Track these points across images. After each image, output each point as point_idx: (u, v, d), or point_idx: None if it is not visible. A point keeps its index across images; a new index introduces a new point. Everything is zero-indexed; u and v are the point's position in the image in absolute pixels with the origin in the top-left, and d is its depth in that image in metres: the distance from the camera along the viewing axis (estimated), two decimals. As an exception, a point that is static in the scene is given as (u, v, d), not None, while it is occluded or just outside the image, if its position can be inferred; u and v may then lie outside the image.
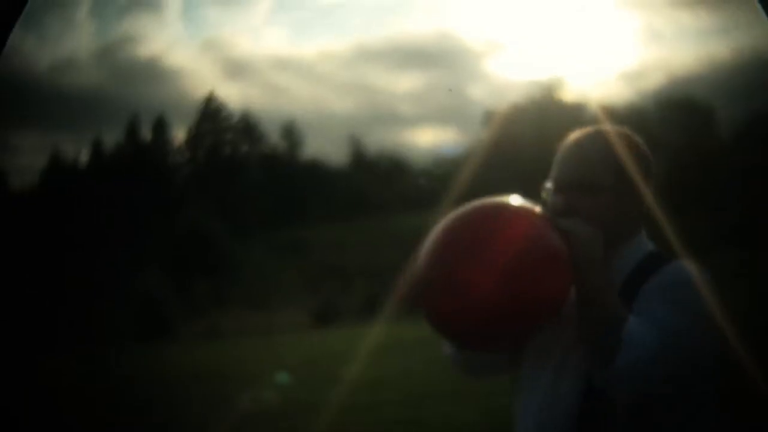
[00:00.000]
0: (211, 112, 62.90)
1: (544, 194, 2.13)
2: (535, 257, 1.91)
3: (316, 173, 60.18)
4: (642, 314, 1.96)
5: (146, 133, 60.13)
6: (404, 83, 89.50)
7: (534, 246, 1.92)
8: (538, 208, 2.01)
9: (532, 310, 1.92)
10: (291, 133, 64.16)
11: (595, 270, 1.96)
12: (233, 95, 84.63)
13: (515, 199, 2.02)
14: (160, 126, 60.60)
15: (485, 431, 8.90)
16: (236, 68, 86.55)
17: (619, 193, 2.12)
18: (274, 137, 64.14)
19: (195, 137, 61.93)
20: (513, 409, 2.27)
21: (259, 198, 57.03)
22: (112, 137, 67.35)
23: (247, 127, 63.60)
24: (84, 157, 59.07)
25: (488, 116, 51.26)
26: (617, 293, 1.99)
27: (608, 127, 2.22)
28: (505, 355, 2.22)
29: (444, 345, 2.24)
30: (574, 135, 2.21)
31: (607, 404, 2.00)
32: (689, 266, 2.08)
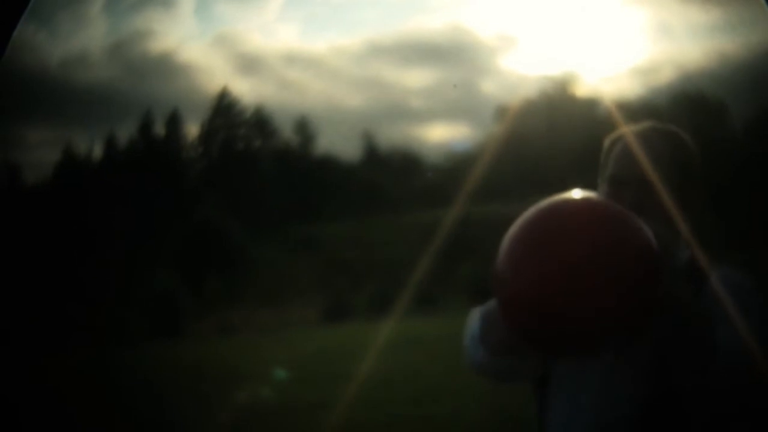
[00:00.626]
0: (223, 107, 62.92)
1: (601, 189, 2.11)
2: (648, 258, 1.84)
3: (329, 169, 60.12)
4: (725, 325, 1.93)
5: (159, 129, 60.19)
6: (416, 78, 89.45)
7: (649, 245, 1.84)
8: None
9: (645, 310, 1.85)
10: (303, 128, 64.14)
11: (673, 270, 1.92)
12: (246, 90, 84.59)
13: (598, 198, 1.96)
14: (173, 121, 60.66)
15: (494, 428, 8.88)
16: (248, 63, 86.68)
17: (683, 192, 2.10)
18: (286, 132, 64.14)
19: (208, 132, 61.96)
20: (540, 409, 2.21)
21: (272, 193, 57.02)
22: (124, 132, 67.42)
23: (260, 122, 63.61)
24: (96, 152, 59.18)
25: (500, 111, 51.15)
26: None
27: (661, 123, 2.22)
28: (536, 359, 2.18)
29: (476, 353, 2.19)
30: (632, 130, 2.20)
31: (675, 408, 1.97)
32: (745, 276, 2.07)
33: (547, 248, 1.81)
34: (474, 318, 2.21)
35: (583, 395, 2.08)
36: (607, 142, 2.18)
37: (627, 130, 2.17)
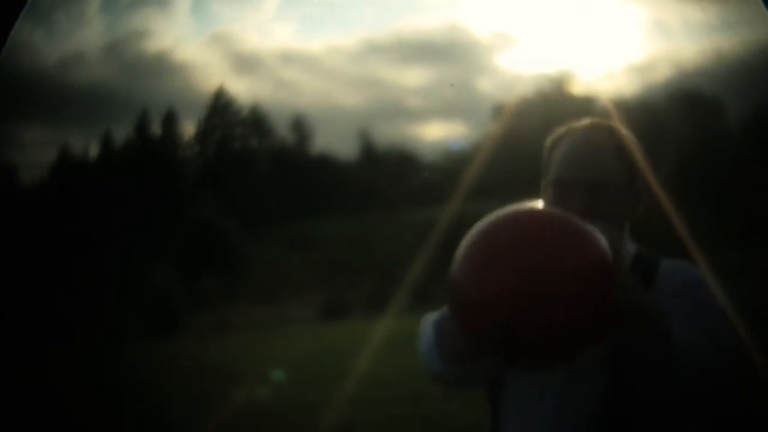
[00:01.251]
0: (220, 106, 62.84)
1: (545, 193, 2.08)
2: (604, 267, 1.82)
3: (325, 167, 60.10)
4: (675, 319, 1.91)
5: (156, 128, 60.13)
6: (413, 77, 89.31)
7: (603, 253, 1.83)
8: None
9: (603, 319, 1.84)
10: (300, 127, 64.06)
11: (626, 273, 1.91)
12: (242, 89, 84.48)
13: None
14: (170, 120, 60.58)
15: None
16: (245, 63, 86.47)
17: (630, 192, 2.08)
18: (283, 131, 64.10)
19: (204, 132, 61.90)
20: (494, 418, 2.18)
21: (268, 192, 56.99)
22: (121, 132, 67.28)
23: (257, 121, 63.55)
24: (93, 151, 59.13)
25: (497, 110, 51.14)
26: None
27: (602, 120, 2.18)
28: (493, 366, 2.15)
29: (433, 362, 2.17)
30: (576, 130, 2.16)
31: (634, 407, 1.96)
32: (694, 266, 2.06)
33: (505, 257, 1.80)
34: (427, 325, 2.18)
35: (540, 402, 2.06)
36: (548, 142, 2.15)
37: (568, 129, 2.14)
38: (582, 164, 2.06)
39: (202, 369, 16.72)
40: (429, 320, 2.20)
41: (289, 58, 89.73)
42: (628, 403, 1.95)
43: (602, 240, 1.80)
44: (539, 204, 1.92)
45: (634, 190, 2.09)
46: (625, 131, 2.15)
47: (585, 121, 2.17)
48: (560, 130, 2.19)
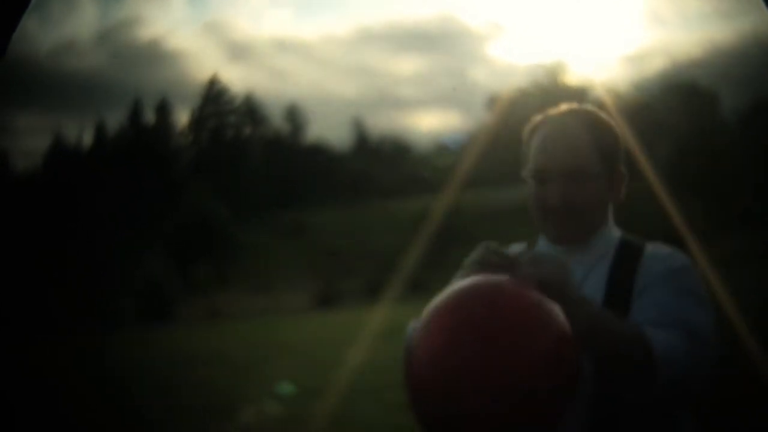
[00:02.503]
0: (213, 94, 62.91)
1: (528, 184, 2.06)
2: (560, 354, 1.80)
3: (319, 156, 60.22)
4: (654, 306, 1.91)
5: (149, 116, 60.15)
6: (406, 66, 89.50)
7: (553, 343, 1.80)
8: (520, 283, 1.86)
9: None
10: (294, 116, 64.24)
11: (584, 306, 1.88)
12: (236, 78, 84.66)
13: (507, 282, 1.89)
14: (163, 109, 60.64)
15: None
16: (238, 51, 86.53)
17: (607, 178, 2.07)
18: (276, 120, 64.22)
19: (198, 120, 61.97)
20: None
21: (262, 181, 57.07)
22: (114, 119, 67.47)
23: (250, 110, 63.67)
24: (86, 139, 59.15)
25: (492, 100, 51.18)
26: (609, 297, 1.95)
27: (578, 106, 2.16)
28: None
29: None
30: (551, 116, 2.14)
31: (619, 408, 1.96)
32: (677, 252, 2.05)
33: (460, 353, 1.76)
34: (410, 331, 2.16)
35: None
36: (526, 131, 2.13)
37: (544, 117, 2.12)
38: (558, 154, 2.02)
39: (195, 356, 16.74)
40: (412, 326, 2.17)
41: (282, 46, 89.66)
42: (614, 405, 1.95)
43: (558, 314, 1.78)
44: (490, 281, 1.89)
45: (613, 174, 2.08)
46: (603, 116, 2.13)
47: (561, 108, 2.15)
48: (536, 118, 2.17)
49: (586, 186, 1.98)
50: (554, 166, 2.02)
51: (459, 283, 1.82)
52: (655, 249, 2.05)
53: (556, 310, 1.75)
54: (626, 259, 2.01)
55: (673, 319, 1.88)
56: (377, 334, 13.57)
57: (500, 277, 1.81)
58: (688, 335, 1.86)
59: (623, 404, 1.92)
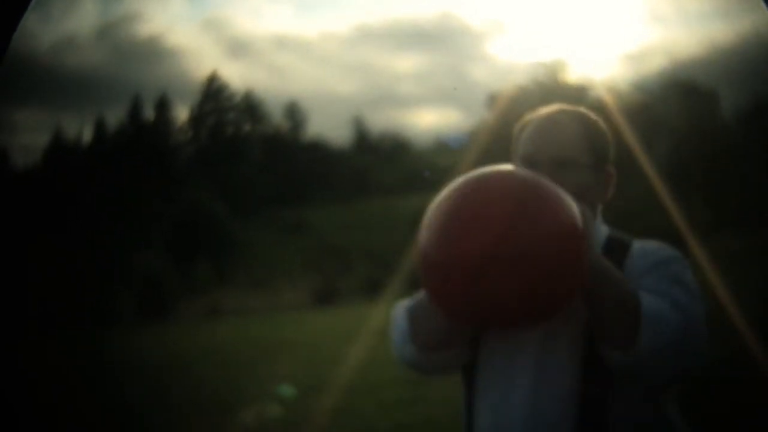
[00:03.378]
0: (213, 91, 62.88)
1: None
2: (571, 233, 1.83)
3: (319, 153, 60.19)
4: (643, 291, 1.92)
5: (148, 113, 60.13)
6: (406, 64, 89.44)
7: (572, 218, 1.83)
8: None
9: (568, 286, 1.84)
10: (293, 113, 64.21)
11: (593, 248, 1.92)
12: (235, 75, 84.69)
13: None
14: (162, 105, 60.60)
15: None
16: (238, 47, 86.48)
17: (596, 172, 2.10)
18: (276, 117, 64.21)
19: (197, 117, 61.94)
20: (471, 399, 2.17)
21: (261, 178, 57.04)
22: (114, 116, 67.38)
23: (250, 107, 63.63)
24: (86, 135, 59.11)
25: (492, 98, 51.17)
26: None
27: (569, 106, 2.19)
28: (465, 350, 2.14)
29: (405, 349, 2.16)
30: (543, 112, 2.17)
31: (607, 389, 1.97)
32: (665, 246, 2.07)
33: (472, 217, 1.78)
34: (399, 312, 2.17)
35: (513, 387, 2.04)
36: (516, 127, 2.16)
37: (536, 114, 2.15)
38: (547, 142, 2.05)
39: (193, 353, 16.75)
40: (400, 308, 2.19)
41: (282, 43, 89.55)
42: (602, 386, 1.96)
43: (572, 202, 1.80)
44: (510, 167, 1.91)
45: (602, 172, 2.10)
46: (593, 116, 2.16)
47: (553, 107, 2.18)
48: (528, 115, 2.20)
49: (575, 176, 2.00)
50: (543, 154, 2.06)
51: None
52: (643, 244, 2.08)
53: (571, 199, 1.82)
54: (613, 254, 2.03)
55: (663, 299, 1.90)
56: (377, 331, 13.58)
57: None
58: (677, 308, 1.88)
59: (610, 383, 1.94)
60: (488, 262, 1.76)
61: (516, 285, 1.77)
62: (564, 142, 2.07)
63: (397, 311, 2.22)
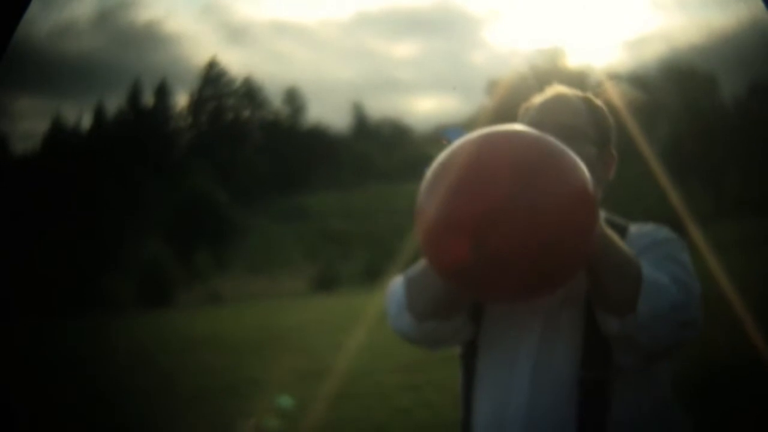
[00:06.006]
0: (212, 77, 62.80)
1: None
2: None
3: (318, 139, 60.16)
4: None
5: (148, 99, 60.05)
6: (406, 50, 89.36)
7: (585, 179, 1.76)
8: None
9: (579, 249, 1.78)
10: (293, 99, 64.12)
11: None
12: (234, 61, 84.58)
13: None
14: (162, 91, 60.52)
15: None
16: (237, 33, 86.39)
17: (599, 149, 2.10)
18: (275, 103, 64.12)
19: (197, 103, 61.87)
20: (470, 383, 2.17)
21: (261, 164, 57.02)
22: (113, 102, 67.28)
23: (249, 92, 63.54)
24: (85, 122, 59.04)
25: (492, 85, 51.09)
26: None
27: (571, 90, 2.21)
28: (464, 323, 2.13)
29: (402, 319, 2.15)
30: (550, 91, 2.18)
31: (608, 372, 1.98)
32: (662, 227, 2.08)
33: (475, 177, 1.69)
34: (397, 285, 2.17)
35: (513, 371, 2.04)
36: (522, 108, 2.16)
37: (541, 95, 2.16)
38: (554, 111, 2.06)
39: (194, 340, 16.75)
40: (398, 278, 2.19)
41: (281, 29, 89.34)
42: (603, 368, 1.96)
43: (583, 165, 1.75)
44: (518, 126, 1.87)
45: (604, 149, 2.10)
46: (597, 101, 2.17)
47: (558, 87, 2.19)
48: (534, 98, 2.21)
49: (580, 147, 1.98)
50: (550, 121, 2.06)
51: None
52: (639, 227, 2.09)
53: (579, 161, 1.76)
54: None
55: (662, 273, 1.90)
56: (376, 318, 13.59)
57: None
58: (675, 281, 1.89)
59: (611, 364, 1.95)
60: (490, 225, 1.68)
61: (519, 248, 1.68)
62: (570, 113, 2.09)
63: (394, 282, 2.22)
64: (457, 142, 1.79)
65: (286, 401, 9.92)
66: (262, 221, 48.52)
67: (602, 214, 2.06)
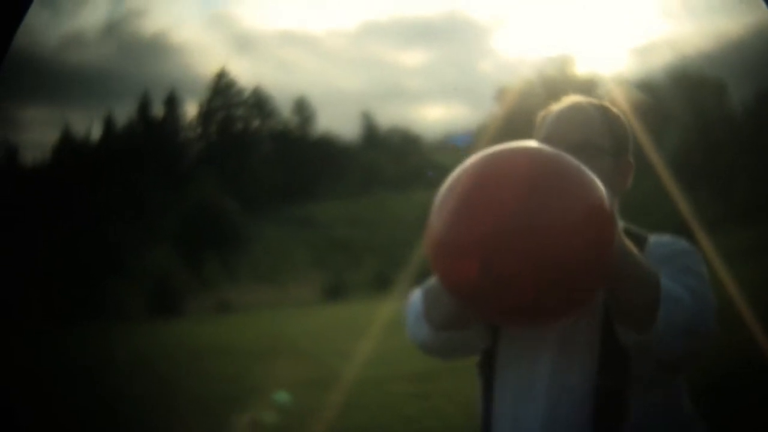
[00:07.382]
0: (221, 87, 62.91)
1: None
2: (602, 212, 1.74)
3: (327, 149, 60.22)
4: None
5: (157, 109, 60.19)
6: (414, 59, 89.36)
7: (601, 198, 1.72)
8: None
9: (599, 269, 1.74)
10: (302, 108, 64.18)
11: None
12: (243, 70, 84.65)
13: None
14: (171, 101, 60.65)
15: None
16: (245, 43, 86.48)
17: (616, 160, 2.10)
18: (285, 113, 64.21)
19: (206, 113, 61.99)
20: (489, 393, 2.16)
21: (270, 173, 57.10)
22: (122, 112, 67.52)
23: (258, 102, 63.63)
24: (95, 132, 59.22)
25: (500, 93, 51.10)
26: None
27: (589, 98, 2.20)
28: (482, 333, 2.13)
29: (420, 329, 2.16)
30: (566, 101, 2.18)
31: (624, 383, 1.98)
32: (681, 239, 2.07)
33: (486, 195, 1.67)
34: (416, 297, 2.18)
35: (532, 381, 2.04)
36: (540, 116, 2.16)
37: (560, 102, 2.15)
38: (569, 124, 2.06)
39: (203, 349, 16.78)
40: (417, 291, 2.20)
41: (289, 39, 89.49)
42: (620, 378, 1.96)
43: (598, 182, 1.72)
44: (529, 142, 1.85)
45: (620, 159, 2.10)
46: (615, 109, 2.17)
47: (575, 96, 2.18)
48: (551, 105, 2.20)
49: (595, 161, 1.96)
50: (565, 136, 2.05)
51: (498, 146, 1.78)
52: (658, 238, 2.08)
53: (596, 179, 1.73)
54: None
55: (680, 285, 1.90)
56: (385, 326, 13.59)
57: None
58: (691, 293, 1.88)
59: (628, 376, 1.95)
60: (495, 245, 1.65)
61: (526, 269, 1.64)
62: (586, 127, 2.08)
63: (414, 294, 2.23)
64: (467, 160, 1.78)
65: (282, 396, 9.92)
66: (270, 230, 48.56)
67: (620, 224, 2.05)
